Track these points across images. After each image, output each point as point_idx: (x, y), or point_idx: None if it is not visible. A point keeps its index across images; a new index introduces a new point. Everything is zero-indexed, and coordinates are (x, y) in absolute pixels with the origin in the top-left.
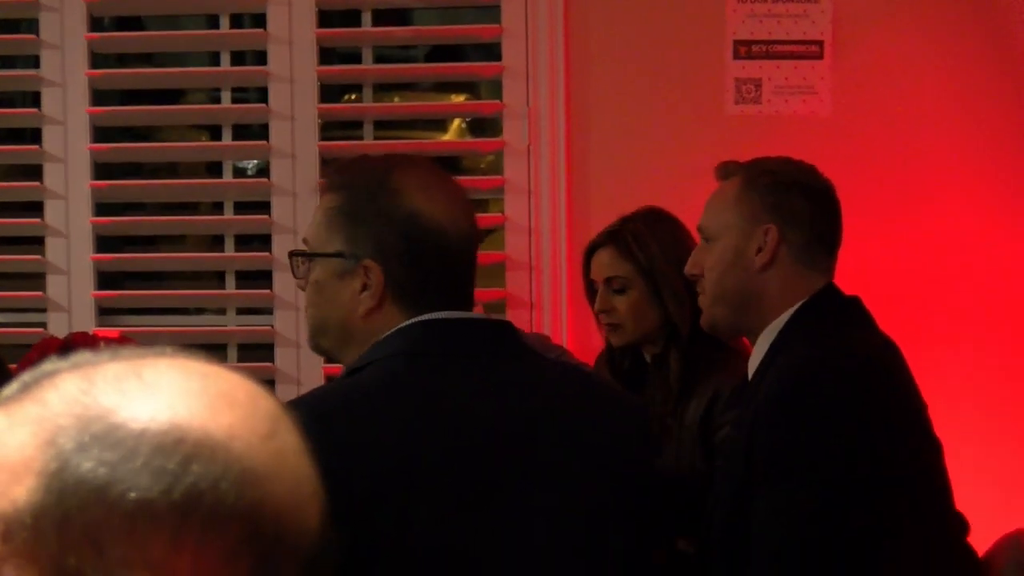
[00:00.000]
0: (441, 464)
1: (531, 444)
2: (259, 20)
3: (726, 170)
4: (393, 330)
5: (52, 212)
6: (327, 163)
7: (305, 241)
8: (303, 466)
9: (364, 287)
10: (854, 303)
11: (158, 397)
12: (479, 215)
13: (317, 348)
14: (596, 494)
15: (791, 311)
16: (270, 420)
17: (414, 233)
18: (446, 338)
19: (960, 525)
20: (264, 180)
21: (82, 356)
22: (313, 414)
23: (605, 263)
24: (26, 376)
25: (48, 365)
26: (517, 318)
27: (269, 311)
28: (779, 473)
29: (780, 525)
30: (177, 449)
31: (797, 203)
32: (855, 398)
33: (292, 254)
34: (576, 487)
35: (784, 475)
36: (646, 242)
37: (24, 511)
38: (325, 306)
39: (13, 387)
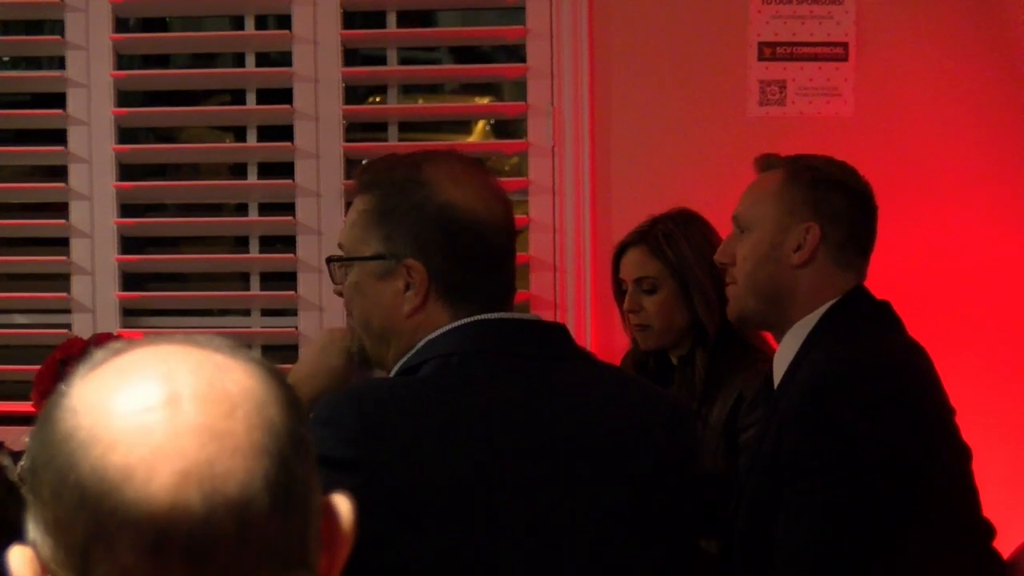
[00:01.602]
0: (485, 470)
1: (579, 449)
2: (284, 21)
3: (767, 162)
4: (447, 329)
5: (77, 213)
6: (352, 164)
7: (340, 246)
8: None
9: (407, 286)
10: (884, 306)
11: None
12: None
13: (360, 352)
14: (638, 499)
15: (822, 309)
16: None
17: (451, 225)
18: (500, 339)
19: (986, 530)
20: (288, 181)
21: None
22: (360, 409)
23: (635, 263)
24: None
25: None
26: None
27: (293, 312)
28: (805, 471)
29: (804, 524)
30: None
31: (838, 202)
32: (884, 399)
33: (330, 260)
34: (618, 491)
35: (810, 473)
36: (677, 242)
37: None
38: (367, 308)
39: None
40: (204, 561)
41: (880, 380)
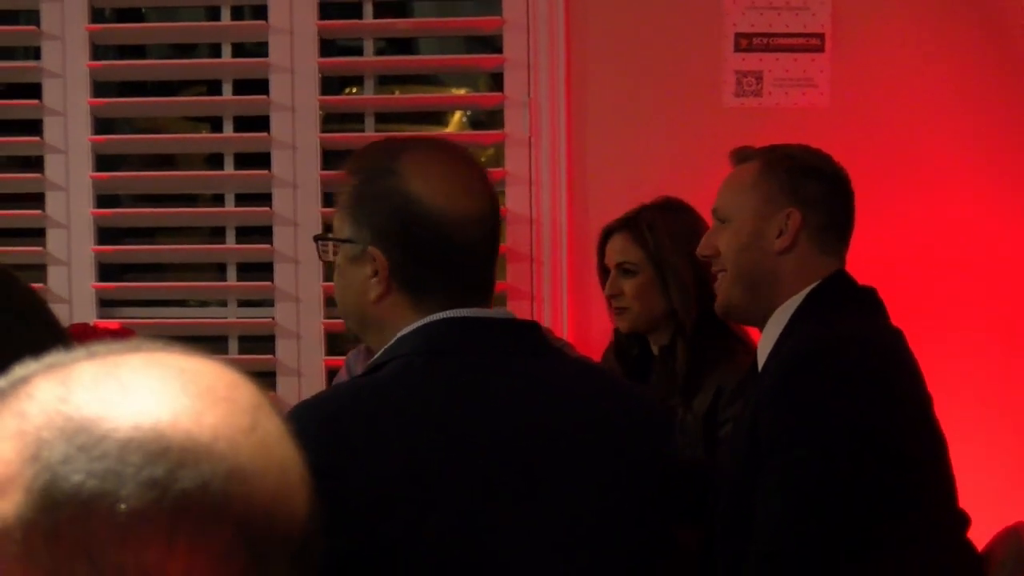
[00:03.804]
0: (453, 467)
1: (548, 445)
2: (260, 11)
3: (743, 154)
4: (414, 327)
5: (53, 204)
6: (329, 155)
7: (331, 225)
8: (287, 454)
9: (374, 272)
10: (869, 291)
11: (139, 401)
12: None
13: (349, 330)
14: (616, 493)
15: (803, 293)
16: (251, 412)
17: (411, 219)
18: (467, 337)
19: (961, 520)
20: (265, 172)
21: (55, 357)
22: (323, 415)
23: (618, 248)
24: (1, 382)
25: (20, 369)
26: (517, 310)
27: (270, 303)
28: (779, 447)
29: (779, 499)
30: (164, 456)
31: (816, 188)
32: (858, 376)
33: (315, 238)
34: (595, 487)
35: (784, 449)
36: (659, 231)
37: (13, 526)
38: (345, 290)
39: None
40: None
41: (855, 357)
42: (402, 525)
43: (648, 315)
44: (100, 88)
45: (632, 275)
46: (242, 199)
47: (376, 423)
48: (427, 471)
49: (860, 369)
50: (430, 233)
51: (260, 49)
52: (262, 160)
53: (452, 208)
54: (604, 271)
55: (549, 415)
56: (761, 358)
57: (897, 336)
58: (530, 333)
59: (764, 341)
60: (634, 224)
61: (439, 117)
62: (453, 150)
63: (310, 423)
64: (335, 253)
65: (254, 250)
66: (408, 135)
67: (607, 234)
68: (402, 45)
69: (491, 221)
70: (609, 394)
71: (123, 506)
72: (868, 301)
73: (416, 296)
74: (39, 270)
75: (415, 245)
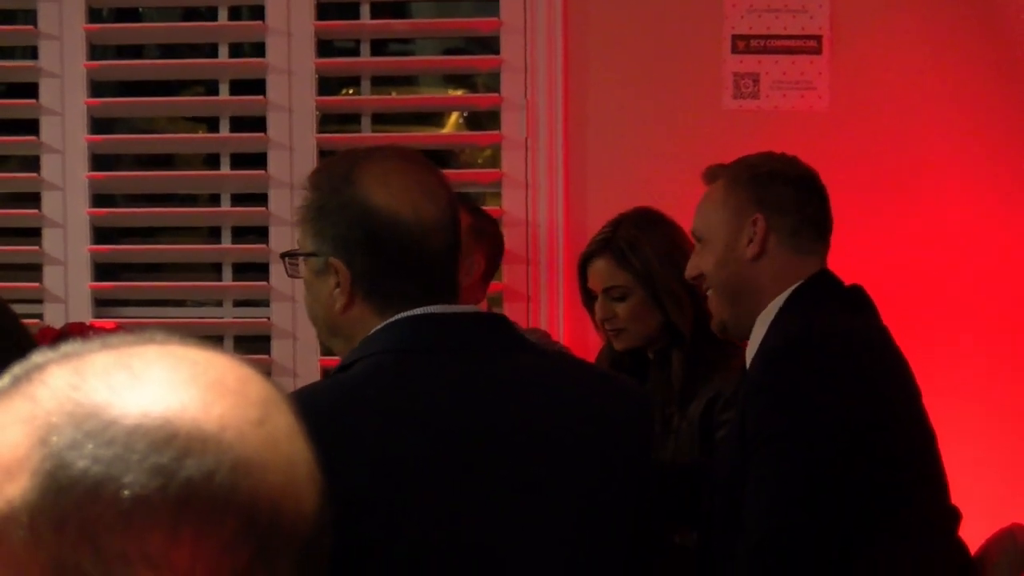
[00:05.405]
0: (429, 462)
1: (524, 437)
2: (257, 12)
3: (712, 174)
4: (381, 326)
5: (49, 203)
6: (325, 156)
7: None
8: (297, 449)
9: (337, 284)
10: (854, 290)
11: (149, 390)
12: None
13: (323, 345)
14: (595, 483)
15: (785, 295)
16: (261, 405)
17: (371, 226)
18: (435, 333)
19: (951, 514)
20: (261, 172)
21: (71, 346)
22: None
23: (602, 272)
24: (16, 369)
25: (37, 357)
26: (514, 311)
27: (266, 303)
28: (765, 440)
29: (765, 492)
30: (171, 444)
31: (780, 192)
32: (840, 368)
33: (282, 256)
34: (574, 477)
35: (769, 442)
36: (641, 248)
37: (20, 510)
38: (312, 303)
39: (3, 381)
40: None
41: (839, 351)
42: (382, 523)
43: (645, 332)
44: (97, 88)
45: (623, 299)
46: (238, 199)
47: (349, 423)
48: (398, 472)
49: (847, 364)
50: (393, 240)
51: (257, 50)
52: (259, 160)
53: (413, 214)
54: (588, 294)
55: (531, 406)
56: (749, 360)
57: (883, 332)
58: (502, 326)
59: (751, 345)
60: (614, 246)
61: (436, 118)
62: (410, 156)
63: None
64: (301, 268)
65: (250, 250)
66: (393, 138)
67: (587, 258)
68: (398, 46)
69: (451, 225)
70: (586, 386)
71: (126, 492)
72: (854, 299)
73: (381, 304)
74: (35, 269)
75: (378, 253)
